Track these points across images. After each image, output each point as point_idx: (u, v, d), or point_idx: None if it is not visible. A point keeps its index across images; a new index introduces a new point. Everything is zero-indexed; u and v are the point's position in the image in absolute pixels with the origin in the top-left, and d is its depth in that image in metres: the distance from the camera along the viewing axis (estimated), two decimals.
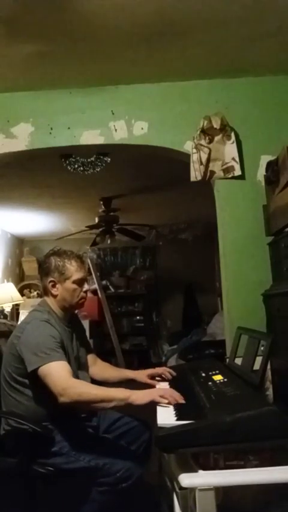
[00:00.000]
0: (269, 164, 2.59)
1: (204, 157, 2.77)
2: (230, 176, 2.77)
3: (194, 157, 2.79)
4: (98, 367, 2.31)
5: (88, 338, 2.47)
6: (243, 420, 1.41)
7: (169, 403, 1.70)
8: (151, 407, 1.71)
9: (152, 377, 2.19)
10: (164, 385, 2.09)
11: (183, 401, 1.72)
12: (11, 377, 1.95)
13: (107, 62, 2.64)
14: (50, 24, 2.26)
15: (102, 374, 2.30)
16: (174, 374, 2.20)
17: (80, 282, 2.07)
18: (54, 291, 2.06)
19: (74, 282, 2.06)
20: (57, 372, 1.80)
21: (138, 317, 7.57)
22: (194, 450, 1.43)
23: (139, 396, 1.73)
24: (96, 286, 6.45)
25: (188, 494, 1.48)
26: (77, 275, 2.06)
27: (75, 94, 2.89)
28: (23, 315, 5.66)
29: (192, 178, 2.80)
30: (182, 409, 1.64)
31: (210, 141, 2.76)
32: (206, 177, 2.79)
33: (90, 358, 2.27)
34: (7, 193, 5.01)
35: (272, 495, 1.55)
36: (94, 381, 2.20)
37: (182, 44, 2.48)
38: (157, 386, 2.07)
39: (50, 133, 2.89)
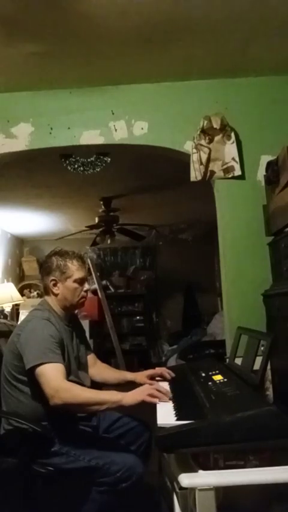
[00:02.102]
0: (269, 164, 2.59)
1: (204, 157, 2.77)
2: (230, 176, 2.77)
3: (194, 157, 2.79)
4: (98, 368, 2.31)
5: (88, 338, 2.47)
6: (243, 420, 1.41)
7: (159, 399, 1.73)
8: (149, 407, 1.72)
9: (152, 378, 2.19)
10: (164, 385, 2.08)
11: (170, 395, 1.78)
12: (11, 375, 1.96)
13: (107, 62, 2.64)
14: (50, 24, 2.27)
15: (101, 375, 2.30)
16: (173, 375, 2.19)
17: (80, 281, 2.08)
18: (55, 290, 2.07)
19: (75, 281, 2.07)
20: (51, 374, 1.80)
21: (138, 317, 7.56)
22: (194, 450, 1.43)
23: (130, 398, 1.75)
24: (96, 286, 6.45)
25: (188, 494, 1.48)
26: (78, 274, 2.07)
27: (75, 94, 2.89)
28: (23, 315, 5.65)
29: (192, 178, 2.80)
30: (182, 409, 1.64)
31: (210, 141, 2.76)
32: (206, 177, 2.79)
33: (90, 359, 2.27)
34: (7, 193, 5.01)
35: (272, 495, 1.55)
36: (93, 382, 2.20)
37: (182, 44, 2.48)
38: None
39: (50, 133, 2.89)
